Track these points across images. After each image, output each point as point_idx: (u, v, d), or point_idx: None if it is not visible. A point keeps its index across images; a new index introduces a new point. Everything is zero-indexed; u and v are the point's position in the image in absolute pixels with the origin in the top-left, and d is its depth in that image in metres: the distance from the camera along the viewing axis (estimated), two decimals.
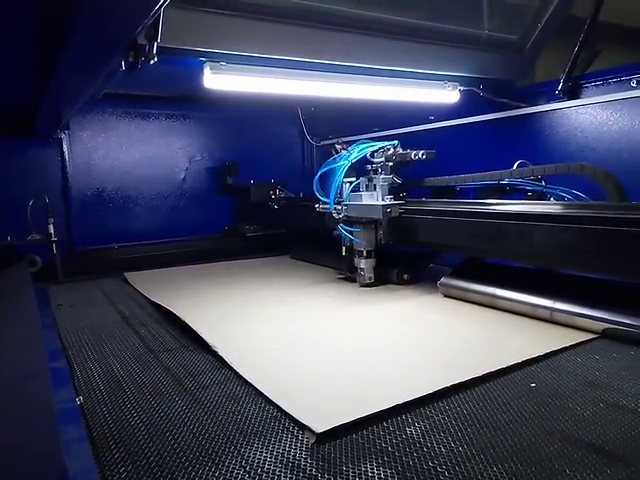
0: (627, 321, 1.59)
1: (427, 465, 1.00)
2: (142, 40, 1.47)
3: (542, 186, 2.11)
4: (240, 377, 1.45)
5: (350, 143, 2.62)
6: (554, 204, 1.87)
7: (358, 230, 2.46)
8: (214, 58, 1.94)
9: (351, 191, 2.51)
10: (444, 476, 0.96)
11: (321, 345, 1.70)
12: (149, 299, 2.41)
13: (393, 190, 2.44)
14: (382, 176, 2.44)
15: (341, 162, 2.51)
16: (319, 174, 2.58)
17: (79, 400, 1.34)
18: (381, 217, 2.28)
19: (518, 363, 1.46)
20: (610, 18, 3.66)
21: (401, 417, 1.19)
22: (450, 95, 2.70)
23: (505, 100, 2.70)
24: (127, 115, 3.66)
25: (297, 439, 1.11)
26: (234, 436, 1.14)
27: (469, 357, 1.54)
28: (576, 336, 1.67)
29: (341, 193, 2.54)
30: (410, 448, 1.06)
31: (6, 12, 1.31)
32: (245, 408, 1.28)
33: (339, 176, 2.49)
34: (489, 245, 1.96)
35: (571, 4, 2.54)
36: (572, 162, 2.08)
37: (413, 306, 2.17)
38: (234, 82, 2.10)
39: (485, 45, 2.54)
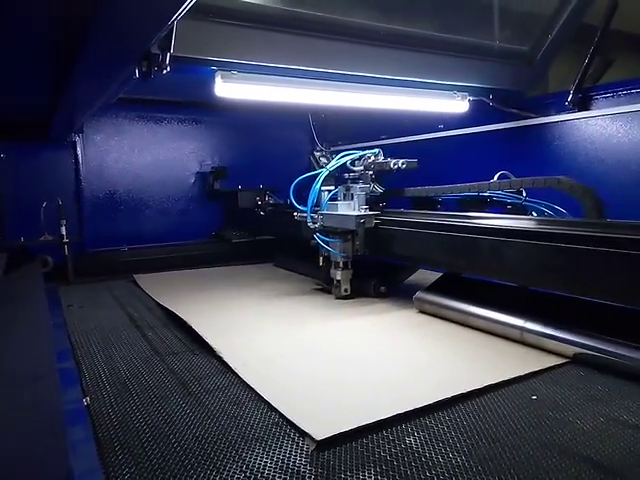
0: (599, 346, 1.49)
1: (425, 475, 1.01)
2: (155, 50, 1.51)
3: (521, 199, 2.06)
4: (244, 382, 1.48)
5: (340, 152, 2.57)
6: (527, 219, 1.81)
7: (334, 240, 2.36)
8: (225, 67, 1.97)
9: (330, 200, 2.44)
10: None
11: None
12: (157, 302, 2.44)
13: (372, 200, 2.38)
14: (359, 185, 2.37)
15: (319, 170, 2.45)
16: (296, 181, 2.48)
17: (86, 401, 1.37)
18: (354, 228, 2.22)
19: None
20: (623, 27, 3.66)
21: (401, 427, 1.20)
22: (459, 105, 2.71)
23: (514, 110, 2.71)
24: (140, 119, 3.72)
25: (297, 446, 1.13)
26: (236, 441, 1.16)
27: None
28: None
29: (319, 202, 2.47)
30: (409, 458, 1.07)
31: (24, 27, 1.35)
32: (248, 413, 1.30)
33: (316, 184, 2.42)
34: (462, 260, 1.91)
35: (582, 16, 2.54)
36: (578, 173, 2.07)
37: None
38: (245, 90, 2.13)
39: (495, 56, 2.56)
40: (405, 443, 1.13)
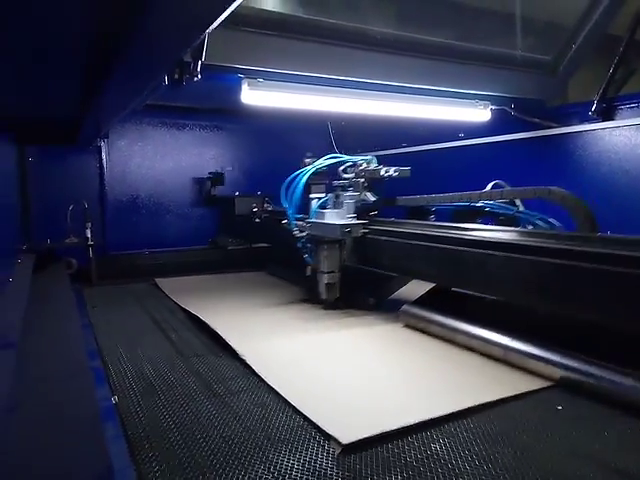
0: (585, 369, 1.38)
1: None
2: (187, 58, 1.55)
3: (513, 210, 2.00)
4: (268, 385, 1.50)
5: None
6: (515, 231, 1.72)
7: (323, 249, 2.25)
8: (252, 75, 2.02)
9: (320, 208, 2.33)
10: None
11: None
12: (180, 305, 2.48)
13: (364, 209, 2.30)
14: (348, 193, 2.30)
15: (304, 169, 2.34)
16: (285, 184, 2.37)
17: (114, 399, 1.40)
18: (340, 237, 2.12)
19: None
20: None
21: (426, 433, 1.21)
22: (481, 114, 2.72)
23: (537, 120, 2.71)
24: (163, 125, 3.80)
25: (323, 448, 1.14)
26: (262, 442, 1.17)
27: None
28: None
29: (307, 209, 2.38)
30: (435, 464, 1.08)
31: (61, 41, 1.40)
32: (273, 415, 1.31)
33: (298, 187, 2.30)
34: (446, 273, 1.81)
35: (606, 26, 2.54)
36: (601, 185, 2.04)
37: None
38: (270, 98, 2.17)
39: (518, 65, 2.56)
40: (431, 449, 1.13)
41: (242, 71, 1.97)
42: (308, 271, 2.38)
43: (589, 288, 1.31)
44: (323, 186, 2.43)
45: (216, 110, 3.85)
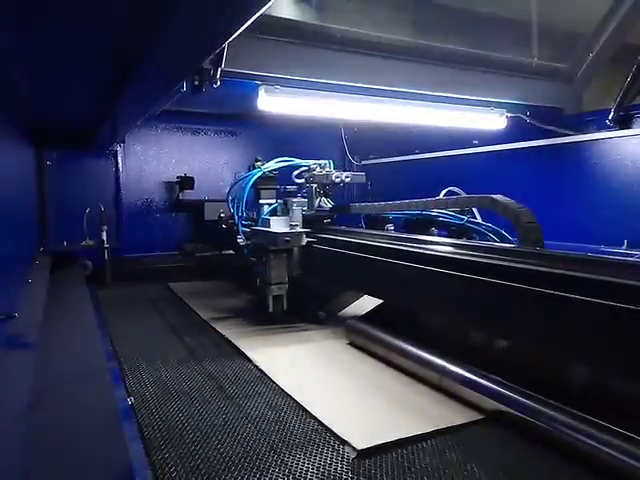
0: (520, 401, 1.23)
1: None
2: (207, 65, 1.57)
3: (462, 220, 1.86)
4: (280, 389, 1.50)
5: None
6: (452, 244, 1.51)
7: (270, 259, 2.05)
8: (269, 81, 2.03)
9: (270, 214, 2.19)
10: None
11: None
12: (194, 310, 2.50)
13: (318, 216, 2.17)
14: (295, 199, 2.17)
15: (251, 172, 2.22)
16: (230, 189, 2.22)
17: (130, 400, 1.42)
18: (279, 246, 1.97)
19: None
20: None
21: (439, 440, 1.20)
22: (497, 121, 2.71)
23: (552, 128, 2.69)
24: (178, 130, 3.84)
25: (338, 453, 1.14)
26: (277, 445, 1.18)
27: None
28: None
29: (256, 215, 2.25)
30: (449, 470, 1.08)
31: (82, 56, 1.43)
32: (286, 419, 1.32)
33: (245, 186, 2.18)
34: (381, 286, 1.67)
35: (623, 35, 2.52)
36: (617, 192, 2.02)
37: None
38: (285, 104, 2.19)
39: (534, 73, 2.56)
40: (445, 456, 1.13)
41: (260, 78, 1.99)
42: (257, 282, 2.19)
43: (509, 306, 1.19)
44: (274, 192, 2.30)
45: (230, 115, 3.89)
